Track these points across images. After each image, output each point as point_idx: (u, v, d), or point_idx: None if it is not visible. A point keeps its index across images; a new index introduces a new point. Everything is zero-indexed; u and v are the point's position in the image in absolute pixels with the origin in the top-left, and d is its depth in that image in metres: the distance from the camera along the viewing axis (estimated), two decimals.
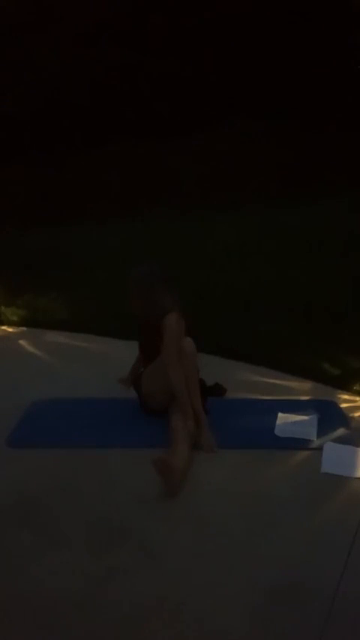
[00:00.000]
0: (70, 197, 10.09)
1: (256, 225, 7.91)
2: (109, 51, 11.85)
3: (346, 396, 3.58)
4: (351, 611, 2.02)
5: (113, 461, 2.94)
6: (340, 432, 3.12)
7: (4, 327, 5.09)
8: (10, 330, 5.04)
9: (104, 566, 2.26)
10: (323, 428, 3.14)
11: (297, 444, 3.02)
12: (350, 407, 3.44)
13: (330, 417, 3.27)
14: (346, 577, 2.14)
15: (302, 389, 3.69)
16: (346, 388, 3.66)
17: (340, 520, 2.45)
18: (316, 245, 6.73)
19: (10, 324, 5.15)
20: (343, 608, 2.02)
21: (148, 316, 3.21)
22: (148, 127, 11.57)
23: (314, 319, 4.68)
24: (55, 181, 10.82)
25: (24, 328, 5.03)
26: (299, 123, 11.23)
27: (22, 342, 4.70)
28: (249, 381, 3.79)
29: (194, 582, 2.17)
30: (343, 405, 3.45)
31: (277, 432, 3.14)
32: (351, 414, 3.34)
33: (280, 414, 3.29)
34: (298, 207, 8.52)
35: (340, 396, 3.58)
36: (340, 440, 3.04)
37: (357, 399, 3.55)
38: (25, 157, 11.13)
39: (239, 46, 11.93)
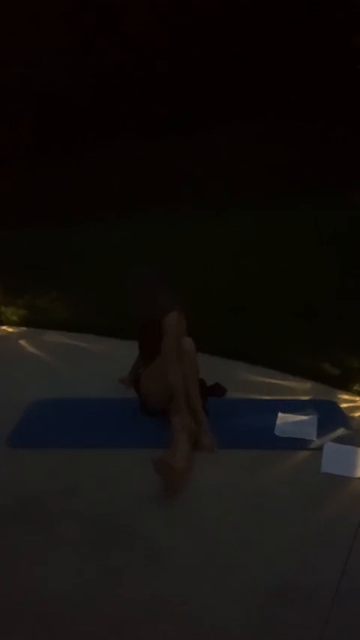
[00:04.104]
0: (70, 197, 10.09)
1: (256, 225, 7.91)
2: (110, 51, 11.86)
3: (346, 396, 3.58)
4: (351, 611, 2.02)
5: (113, 461, 2.94)
6: (340, 432, 3.12)
7: (4, 327, 5.08)
8: (10, 330, 5.03)
9: (104, 566, 2.26)
10: (323, 428, 3.14)
11: (297, 444, 3.02)
12: (350, 407, 3.44)
13: (330, 417, 3.27)
14: (346, 577, 2.14)
15: (302, 389, 3.69)
16: (346, 388, 3.66)
17: (340, 520, 2.45)
18: (315, 245, 6.74)
19: (10, 324, 5.14)
20: (343, 608, 2.02)
21: (149, 316, 3.21)
22: (148, 127, 11.57)
23: (314, 319, 4.68)
24: (55, 181, 10.82)
25: (24, 328, 5.03)
26: (298, 123, 11.24)
27: (22, 342, 4.70)
28: (249, 381, 3.79)
29: (194, 582, 2.17)
30: (343, 405, 3.45)
31: (277, 432, 3.14)
32: (351, 414, 3.34)
33: (280, 414, 3.29)
34: (298, 206, 8.53)
35: (340, 396, 3.58)
36: (340, 440, 3.04)
37: (357, 399, 3.55)
38: (24, 157, 11.14)
39: (239, 46, 11.94)
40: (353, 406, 3.46)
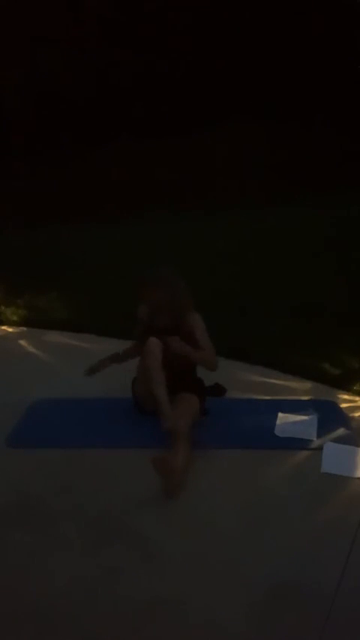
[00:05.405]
0: (70, 197, 10.09)
1: (256, 224, 7.91)
2: (111, 51, 11.86)
3: (346, 396, 3.58)
4: (351, 611, 2.02)
5: (113, 461, 2.94)
6: (340, 432, 3.12)
7: (4, 327, 5.08)
8: (10, 330, 5.03)
9: (104, 566, 2.26)
10: (323, 428, 3.14)
11: (297, 444, 3.02)
12: (350, 407, 3.44)
13: (330, 417, 3.27)
14: (346, 577, 2.14)
15: (302, 389, 3.69)
16: (346, 388, 3.66)
17: (340, 520, 2.45)
18: (315, 245, 6.74)
19: (10, 324, 5.14)
20: (343, 608, 2.02)
21: (169, 316, 3.20)
22: (147, 127, 11.57)
23: (314, 319, 4.68)
24: (55, 181, 10.82)
25: (24, 328, 5.03)
26: (298, 123, 11.24)
27: (22, 342, 4.70)
28: (249, 381, 3.79)
29: (194, 582, 2.17)
30: (343, 405, 3.45)
31: (277, 432, 3.14)
32: (351, 414, 3.34)
33: (280, 414, 3.29)
34: (298, 206, 8.53)
35: (340, 396, 3.58)
36: (340, 440, 3.04)
37: (357, 399, 3.55)
38: (24, 157, 11.14)
39: (239, 46, 11.94)
40: (353, 406, 3.46)
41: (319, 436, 3.07)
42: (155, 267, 3.35)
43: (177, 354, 3.15)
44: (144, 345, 3.30)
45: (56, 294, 5.74)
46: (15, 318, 5.25)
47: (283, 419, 3.25)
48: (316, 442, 3.03)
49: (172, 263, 3.44)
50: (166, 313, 3.24)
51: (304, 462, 2.89)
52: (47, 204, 9.88)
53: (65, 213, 9.30)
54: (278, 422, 3.23)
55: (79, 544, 2.38)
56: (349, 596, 2.07)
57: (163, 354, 3.13)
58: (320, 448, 2.96)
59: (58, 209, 9.54)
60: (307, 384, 3.74)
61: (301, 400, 3.52)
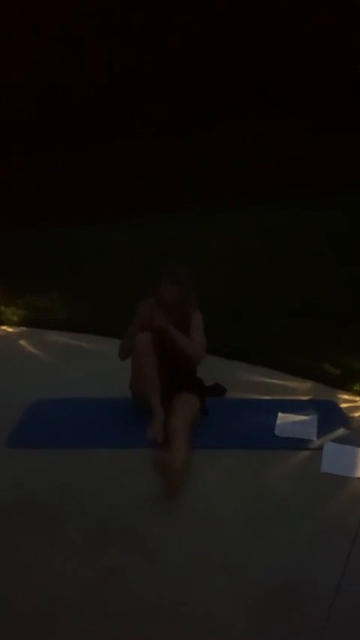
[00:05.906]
0: (70, 198, 10.09)
1: (256, 224, 7.91)
2: (110, 51, 11.87)
3: (346, 396, 3.58)
4: (351, 611, 2.02)
5: (113, 461, 2.94)
6: (340, 432, 3.12)
7: (4, 327, 5.08)
8: (10, 330, 5.03)
9: (104, 566, 2.26)
10: (323, 428, 3.14)
11: (297, 444, 3.02)
12: (350, 407, 3.44)
13: (330, 417, 3.27)
14: (346, 577, 2.14)
15: (302, 389, 3.69)
16: (346, 388, 3.66)
17: (340, 520, 2.45)
18: (315, 245, 6.74)
19: (10, 324, 5.14)
20: (343, 608, 2.02)
21: (175, 313, 3.22)
22: (147, 129, 11.58)
23: (314, 319, 4.68)
24: (55, 182, 10.82)
25: (24, 328, 5.03)
26: (297, 123, 11.24)
27: (22, 342, 4.70)
28: (249, 381, 3.79)
29: (194, 582, 2.17)
30: (343, 405, 3.45)
31: (277, 432, 3.14)
32: (351, 414, 3.34)
33: (280, 414, 3.29)
34: (297, 206, 8.52)
35: (340, 396, 3.58)
36: (340, 440, 3.04)
37: (357, 399, 3.55)
38: (25, 158, 11.14)
39: (238, 47, 11.94)
40: (353, 406, 3.46)
41: (319, 436, 3.07)
42: (168, 264, 3.37)
43: (175, 352, 3.15)
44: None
45: (56, 294, 5.74)
46: (15, 318, 5.25)
47: (283, 419, 3.25)
48: (316, 442, 3.03)
49: (182, 262, 3.45)
50: (174, 310, 3.24)
51: (304, 462, 2.89)
52: (47, 204, 9.88)
53: (65, 213, 9.30)
54: (278, 422, 3.23)
55: (80, 544, 2.38)
56: (349, 596, 2.07)
57: (161, 354, 3.13)
58: (320, 448, 2.96)
59: (58, 209, 9.54)
60: (307, 384, 3.74)
61: (301, 400, 3.52)
